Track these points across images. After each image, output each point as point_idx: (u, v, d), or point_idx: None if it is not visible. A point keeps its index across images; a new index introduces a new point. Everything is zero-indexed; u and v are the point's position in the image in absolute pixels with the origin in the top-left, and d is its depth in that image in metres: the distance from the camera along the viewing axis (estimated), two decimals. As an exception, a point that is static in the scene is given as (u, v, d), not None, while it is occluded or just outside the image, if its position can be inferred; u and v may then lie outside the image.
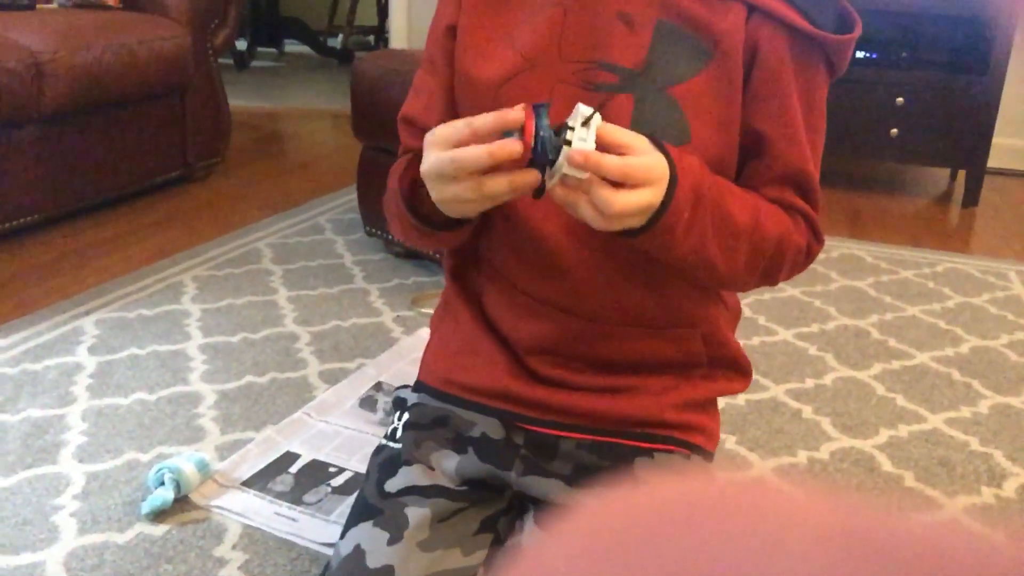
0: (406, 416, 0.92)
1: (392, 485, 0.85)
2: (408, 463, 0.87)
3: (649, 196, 0.67)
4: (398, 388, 0.99)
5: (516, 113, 0.64)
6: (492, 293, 0.89)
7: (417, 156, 0.73)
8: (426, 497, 0.84)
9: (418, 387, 0.94)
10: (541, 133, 0.63)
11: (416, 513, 0.82)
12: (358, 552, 0.80)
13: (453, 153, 0.64)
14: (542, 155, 0.63)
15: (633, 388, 0.87)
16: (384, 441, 0.93)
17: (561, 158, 0.63)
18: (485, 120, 0.64)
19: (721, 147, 0.78)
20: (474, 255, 0.91)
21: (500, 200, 0.68)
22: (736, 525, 0.20)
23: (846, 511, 0.21)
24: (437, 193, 0.69)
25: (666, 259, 0.75)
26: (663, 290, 0.84)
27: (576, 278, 0.83)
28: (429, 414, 0.90)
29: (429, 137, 0.68)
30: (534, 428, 0.88)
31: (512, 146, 0.63)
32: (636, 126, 0.71)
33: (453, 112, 0.83)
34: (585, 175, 0.64)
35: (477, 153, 0.64)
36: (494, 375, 0.88)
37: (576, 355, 0.86)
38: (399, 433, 0.91)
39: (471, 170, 0.65)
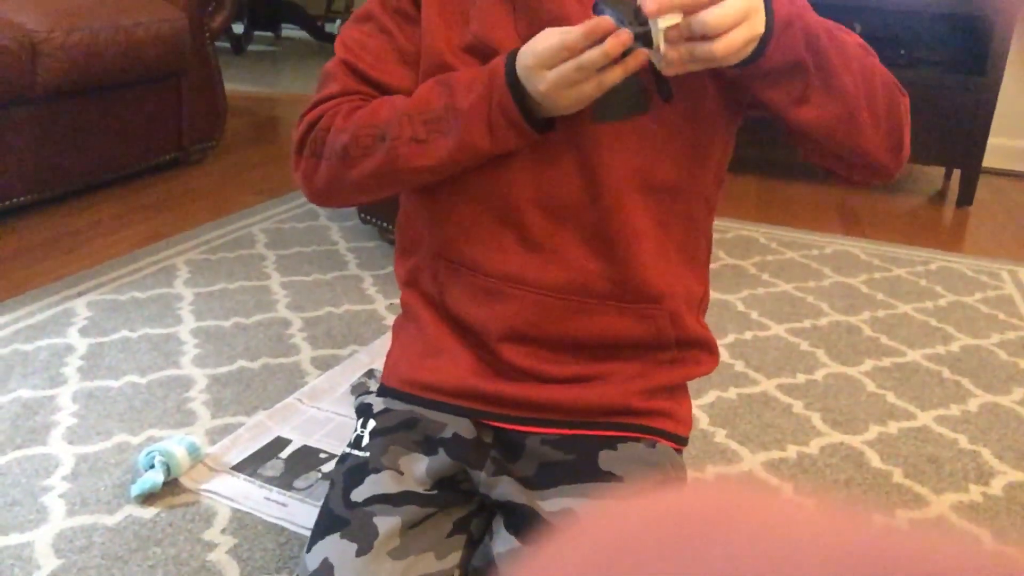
0: (372, 423, 0.90)
1: (359, 494, 0.83)
2: (376, 471, 0.85)
3: None
4: (359, 396, 0.98)
5: (603, 23, 0.71)
6: (455, 288, 0.88)
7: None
8: (395, 505, 0.81)
9: (382, 392, 0.94)
10: (617, 18, 0.70)
11: (385, 522, 0.80)
12: (326, 566, 0.78)
13: (577, 60, 0.72)
14: (631, 26, 0.71)
15: (601, 376, 0.87)
16: (348, 449, 0.90)
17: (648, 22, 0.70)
18: (576, 36, 0.71)
19: (695, 103, 0.80)
20: (428, 258, 0.90)
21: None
22: (744, 540, 0.20)
23: (855, 528, 0.21)
24: (562, 100, 0.75)
25: (795, 73, 0.75)
26: (627, 260, 0.84)
27: (544, 250, 0.83)
28: (395, 418, 0.89)
29: (529, 61, 0.74)
30: (501, 425, 0.87)
31: (622, 37, 0.70)
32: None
33: (412, 76, 0.84)
34: (677, 18, 0.69)
35: (596, 55, 0.71)
36: (459, 373, 0.87)
37: (546, 338, 0.86)
38: (365, 441, 0.89)
39: (592, 70, 0.72)
